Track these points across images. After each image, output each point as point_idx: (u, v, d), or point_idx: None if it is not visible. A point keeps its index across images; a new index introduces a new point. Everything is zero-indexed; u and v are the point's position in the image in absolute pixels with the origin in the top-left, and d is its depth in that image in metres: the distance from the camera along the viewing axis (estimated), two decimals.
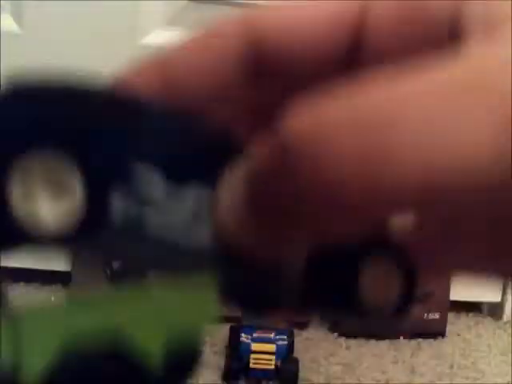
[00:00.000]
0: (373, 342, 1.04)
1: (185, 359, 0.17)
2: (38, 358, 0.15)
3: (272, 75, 0.21)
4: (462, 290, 1.14)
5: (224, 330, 0.94)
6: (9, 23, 0.90)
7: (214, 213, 0.18)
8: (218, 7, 0.89)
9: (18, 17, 0.91)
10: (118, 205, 0.16)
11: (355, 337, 1.04)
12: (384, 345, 1.04)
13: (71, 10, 0.89)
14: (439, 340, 1.08)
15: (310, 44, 0.21)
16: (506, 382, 0.95)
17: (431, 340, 1.07)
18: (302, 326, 1.05)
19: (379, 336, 1.05)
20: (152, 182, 0.17)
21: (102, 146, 0.16)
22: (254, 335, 0.88)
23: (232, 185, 0.17)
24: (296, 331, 0.96)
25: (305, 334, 1.04)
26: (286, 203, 0.16)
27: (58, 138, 0.16)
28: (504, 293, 1.18)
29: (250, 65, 0.21)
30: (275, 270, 0.19)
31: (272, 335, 0.88)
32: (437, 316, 1.09)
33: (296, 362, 0.89)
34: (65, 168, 0.15)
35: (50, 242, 0.16)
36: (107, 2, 0.89)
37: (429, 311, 1.09)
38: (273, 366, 0.86)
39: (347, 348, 1.02)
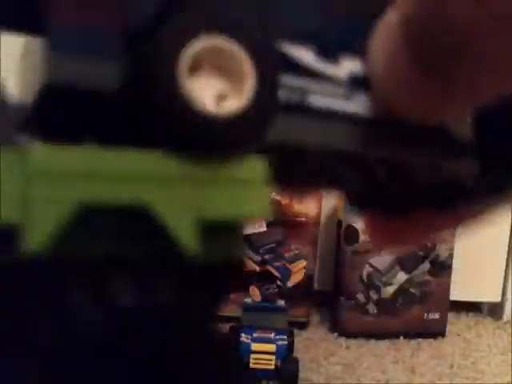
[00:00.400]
0: (373, 341, 1.04)
1: (225, 249, 0.16)
2: (50, 214, 0.12)
3: None
4: (462, 290, 1.14)
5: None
6: None
7: (372, 74, 0.17)
8: None
9: None
10: (284, 84, 0.17)
11: (355, 337, 1.05)
12: (384, 345, 1.04)
13: None
14: (439, 340, 1.08)
15: None
16: (506, 382, 0.95)
17: (431, 340, 1.07)
18: (302, 325, 1.05)
19: (379, 336, 1.05)
20: (307, 57, 0.17)
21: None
22: (254, 335, 0.88)
23: (386, 35, 0.17)
24: (296, 331, 0.96)
25: (305, 334, 1.04)
26: (445, 47, 0.15)
27: (225, 24, 0.16)
28: (504, 293, 1.19)
29: None
30: (437, 132, 0.19)
31: (272, 335, 0.88)
32: (437, 316, 1.09)
33: (296, 361, 0.89)
34: (234, 54, 0.16)
35: (212, 128, 0.15)
36: None
37: (429, 311, 1.09)
38: (273, 366, 0.86)
39: (347, 348, 1.02)
